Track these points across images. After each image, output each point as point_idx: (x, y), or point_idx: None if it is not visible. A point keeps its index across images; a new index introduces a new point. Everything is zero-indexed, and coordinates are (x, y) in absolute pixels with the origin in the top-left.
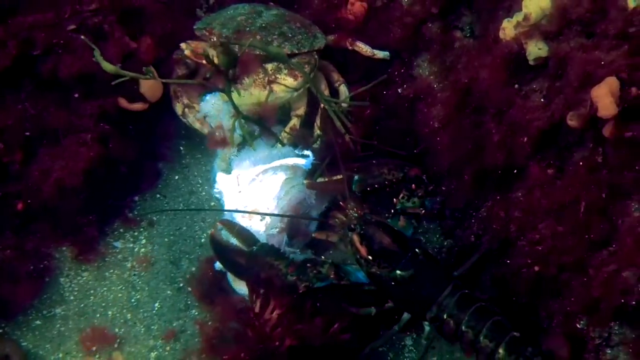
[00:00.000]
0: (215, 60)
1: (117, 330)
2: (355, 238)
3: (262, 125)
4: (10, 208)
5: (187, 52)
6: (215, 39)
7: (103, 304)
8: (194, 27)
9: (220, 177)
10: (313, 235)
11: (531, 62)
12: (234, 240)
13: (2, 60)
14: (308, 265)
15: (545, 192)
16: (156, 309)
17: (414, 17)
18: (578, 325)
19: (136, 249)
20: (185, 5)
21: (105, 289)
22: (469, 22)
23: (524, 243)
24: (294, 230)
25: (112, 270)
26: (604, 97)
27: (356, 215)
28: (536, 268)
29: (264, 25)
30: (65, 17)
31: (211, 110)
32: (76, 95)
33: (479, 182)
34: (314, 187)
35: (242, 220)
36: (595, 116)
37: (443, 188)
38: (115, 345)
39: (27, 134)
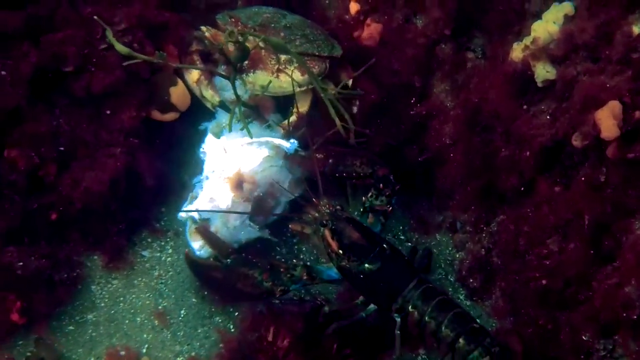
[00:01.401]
0: (228, 54)
1: (145, 335)
2: (327, 233)
3: (258, 113)
4: (44, 218)
5: (207, 34)
6: (240, 28)
7: (132, 311)
8: (217, 16)
9: (209, 139)
10: (290, 226)
11: (539, 84)
12: (207, 250)
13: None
14: (281, 270)
15: (553, 209)
16: (182, 315)
17: (427, 38)
18: (584, 337)
19: (163, 258)
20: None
21: (133, 296)
22: (481, 44)
23: (532, 257)
24: (259, 207)
25: (140, 278)
26: (607, 119)
27: (328, 211)
28: (544, 282)
29: (288, 25)
30: (97, 37)
31: (225, 83)
32: (108, 112)
33: (489, 196)
34: (292, 160)
35: (217, 183)
36: (599, 137)
37: (454, 201)
38: (144, 350)
39: (61, 148)
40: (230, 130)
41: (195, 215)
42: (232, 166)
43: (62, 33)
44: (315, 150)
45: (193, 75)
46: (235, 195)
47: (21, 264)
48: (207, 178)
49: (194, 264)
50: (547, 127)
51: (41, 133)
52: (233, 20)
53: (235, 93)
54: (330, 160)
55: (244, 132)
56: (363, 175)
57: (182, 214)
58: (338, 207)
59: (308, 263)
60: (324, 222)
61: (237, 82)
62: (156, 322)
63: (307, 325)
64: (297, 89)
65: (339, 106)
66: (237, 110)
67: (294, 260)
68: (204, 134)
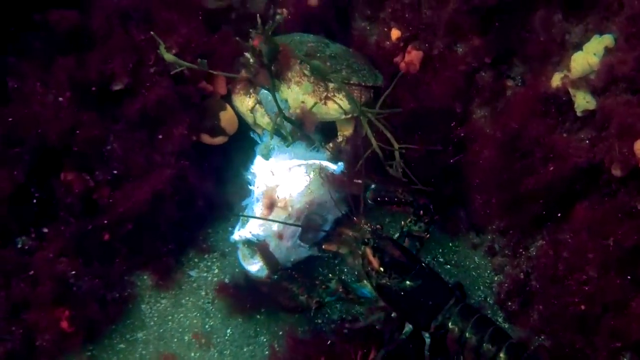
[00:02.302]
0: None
1: (192, 354)
2: (368, 251)
3: (302, 130)
4: (98, 239)
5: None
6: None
7: (180, 330)
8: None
9: (258, 160)
10: (322, 247)
11: (579, 114)
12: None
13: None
14: (316, 282)
15: (592, 235)
16: (228, 335)
17: (467, 66)
18: None
19: (209, 278)
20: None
21: (182, 315)
22: (520, 72)
23: (571, 282)
24: (308, 225)
25: (187, 298)
26: None
27: (369, 229)
28: (582, 307)
29: (333, 55)
30: (150, 64)
31: (266, 102)
32: (160, 136)
33: (528, 221)
34: (333, 181)
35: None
36: (637, 167)
37: (494, 226)
38: None
39: (115, 172)
40: (288, 143)
41: (249, 235)
42: (281, 188)
43: (118, 60)
44: (359, 175)
45: (247, 102)
46: (285, 215)
47: (75, 281)
48: (257, 200)
49: (246, 277)
50: (585, 151)
51: (96, 158)
52: None
53: (277, 103)
54: (373, 186)
55: (291, 153)
56: (404, 201)
57: (235, 237)
58: (378, 226)
59: (343, 277)
60: (366, 239)
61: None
62: (203, 340)
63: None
64: (343, 117)
65: (384, 128)
66: (280, 122)
67: (330, 275)
68: (250, 156)
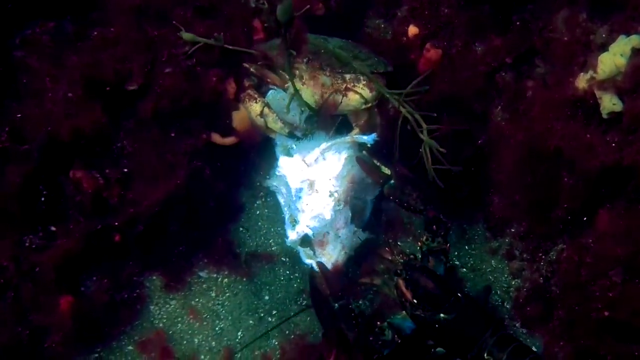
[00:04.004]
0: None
1: (202, 357)
2: (401, 283)
3: (322, 119)
4: (108, 240)
5: (252, 70)
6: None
7: (190, 332)
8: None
9: (283, 160)
10: (359, 281)
11: (604, 116)
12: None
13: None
14: (371, 338)
15: (616, 241)
16: (239, 337)
17: (487, 66)
18: None
19: (219, 279)
20: None
21: (191, 317)
22: (542, 73)
23: (595, 288)
24: (354, 209)
25: (197, 299)
26: None
27: (402, 261)
28: (606, 313)
29: (336, 48)
30: (162, 60)
31: (275, 104)
32: (172, 135)
33: (549, 225)
34: (361, 164)
35: (313, 197)
36: None
37: (512, 230)
38: None
39: (125, 170)
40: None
41: (306, 230)
42: (319, 176)
43: (131, 56)
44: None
45: (255, 108)
46: (334, 203)
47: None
48: (298, 198)
49: (314, 288)
50: (612, 151)
51: (105, 156)
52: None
53: (296, 90)
54: (392, 182)
55: (315, 142)
56: (413, 209)
57: (292, 237)
58: (412, 255)
59: (389, 320)
60: (398, 271)
61: (296, 105)
62: (213, 343)
63: None
64: (364, 106)
65: (410, 109)
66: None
67: (378, 323)
68: (267, 159)
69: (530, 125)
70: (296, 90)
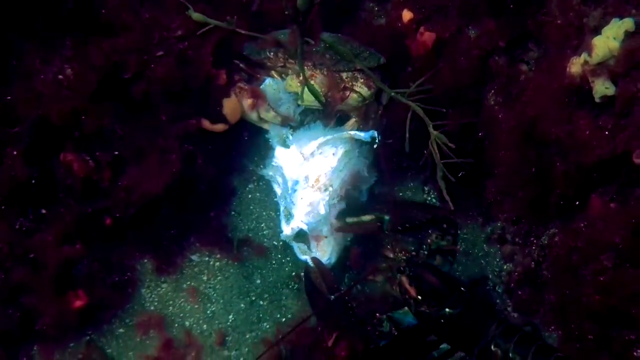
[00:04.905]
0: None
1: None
2: (404, 279)
3: (325, 107)
4: (99, 223)
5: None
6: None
7: (181, 315)
8: (244, 52)
9: (279, 151)
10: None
11: (597, 100)
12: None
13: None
14: (369, 328)
15: (608, 225)
16: (230, 320)
17: (480, 50)
18: (635, 354)
19: (211, 263)
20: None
21: (182, 300)
22: (535, 57)
23: (586, 273)
24: (350, 200)
25: (189, 282)
26: None
27: (404, 258)
28: (597, 297)
29: (327, 45)
30: (154, 43)
31: (271, 94)
32: (163, 118)
33: (541, 209)
34: (343, 230)
35: (308, 191)
36: None
37: (505, 214)
38: (193, 354)
39: (116, 153)
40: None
41: (301, 225)
42: (316, 170)
43: (124, 39)
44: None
45: (246, 100)
46: (328, 197)
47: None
48: (294, 191)
49: (309, 281)
50: (606, 141)
51: (96, 137)
52: (273, 54)
53: (303, 71)
54: (386, 217)
55: (312, 134)
56: (425, 221)
57: (286, 231)
58: (413, 252)
59: (389, 314)
60: (402, 268)
61: (292, 98)
62: (205, 326)
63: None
64: (362, 103)
65: (411, 103)
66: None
67: (377, 315)
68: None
69: (523, 110)
70: (307, 80)
